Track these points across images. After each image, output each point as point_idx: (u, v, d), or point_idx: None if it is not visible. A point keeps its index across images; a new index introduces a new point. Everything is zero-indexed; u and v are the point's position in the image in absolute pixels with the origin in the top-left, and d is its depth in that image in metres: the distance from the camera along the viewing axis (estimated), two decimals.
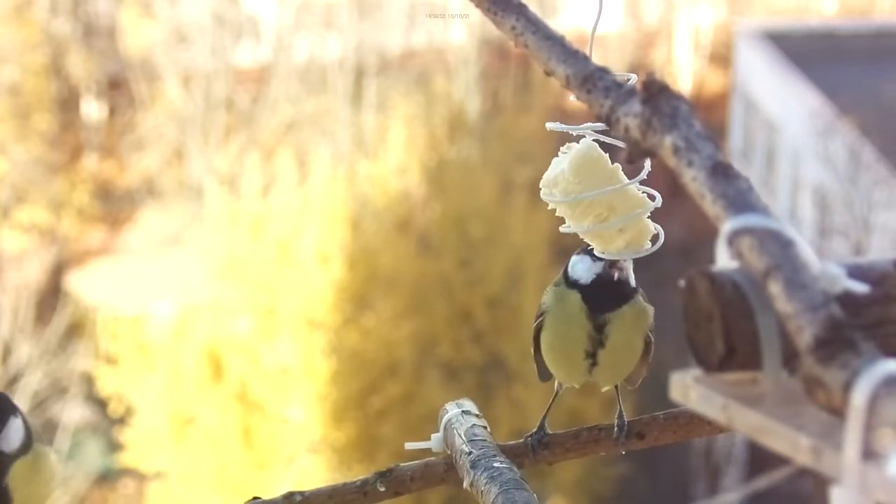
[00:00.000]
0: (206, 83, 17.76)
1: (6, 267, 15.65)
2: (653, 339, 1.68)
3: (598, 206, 1.58)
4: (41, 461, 1.60)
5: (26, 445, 1.58)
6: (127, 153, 18.18)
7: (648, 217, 1.60)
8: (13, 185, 16.90)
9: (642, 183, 1.59)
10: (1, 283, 15.16)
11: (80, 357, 14.45)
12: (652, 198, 1.60)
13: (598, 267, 1.63)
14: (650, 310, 1.67)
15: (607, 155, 1.59)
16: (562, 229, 1.61)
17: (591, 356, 1.65)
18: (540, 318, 1.69)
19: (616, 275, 1.63)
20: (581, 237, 1.60)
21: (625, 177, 1.59)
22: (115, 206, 17.99)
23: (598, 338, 1.64)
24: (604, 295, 1.63)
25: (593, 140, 1.59)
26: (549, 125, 1.60)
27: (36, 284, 15.47)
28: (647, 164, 1.53)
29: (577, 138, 1.60)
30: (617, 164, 1.58)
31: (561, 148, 1.61)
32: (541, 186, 1.60)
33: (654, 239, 1.61)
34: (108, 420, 14.22)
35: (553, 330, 1.67)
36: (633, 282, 1.65)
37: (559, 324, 1.66)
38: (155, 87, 18.04)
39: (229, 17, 18.55)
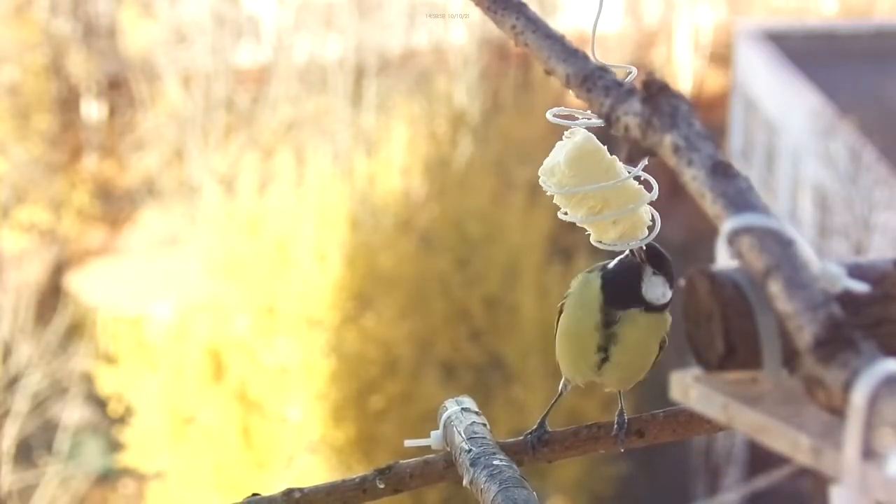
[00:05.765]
0: (206, 83, 17.75)
1: (6, 267, 15.64)
2: (666, 343, 1.66)
3: (592, 198, 1.58)
4: None
5: None
6: (127, 153, 18.17)
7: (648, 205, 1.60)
8: (13, 185, 16.89)
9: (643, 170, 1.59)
10: (1, 283, 15.15)
11: (80, 357, 14.44)
12: (649, 187, 1.59)
13: (669, 292, 1.61)
14: (668, 317, 1.64)
15: (605, 147, 1.59)
16: (560, 215, 1.61)
17: (604, 350, 1.63)
18: (563, 302, 1.68)
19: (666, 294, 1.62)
20: (578, 225, 1.60)
21: (622, 169, 1.58)
22: (115, 206, 17.99)
23: (608, 332, 1.62)
24: (624, 292, 1.62)
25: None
26: (551, 113, 1.60)
27: (36, 284, 15.46)
28: (644, 159, 1.52)
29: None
30: (614, 157, 1.58)
31: (565, 132, 1.60)
32: (539, 174, 1.60)
33: (651, 228, 1.60)
34: (108, 420, 14.21)
35: (569, 314, 1.66)
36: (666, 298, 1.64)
37: (576, 309, 1.65)
38: (155, 87, 18.04)
39: (229, 17, 18.54)
